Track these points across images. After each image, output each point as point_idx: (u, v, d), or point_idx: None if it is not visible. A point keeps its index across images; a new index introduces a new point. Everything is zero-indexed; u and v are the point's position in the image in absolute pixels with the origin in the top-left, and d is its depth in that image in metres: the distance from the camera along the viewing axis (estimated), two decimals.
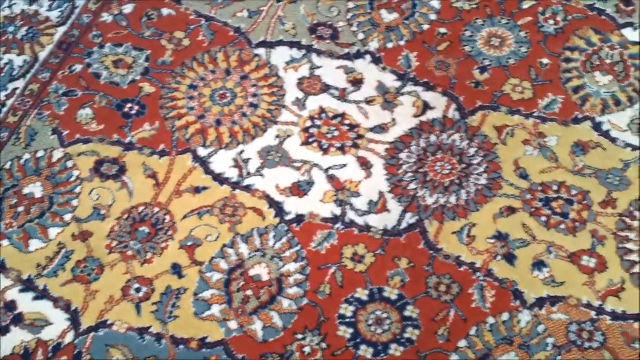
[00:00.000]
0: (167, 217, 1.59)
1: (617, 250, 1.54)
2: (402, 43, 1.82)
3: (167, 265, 1.54)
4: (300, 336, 1.46)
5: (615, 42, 1.80)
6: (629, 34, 1.81)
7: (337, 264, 1.53)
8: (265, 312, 1.49)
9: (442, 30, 1.83)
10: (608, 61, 1.77)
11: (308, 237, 1.57)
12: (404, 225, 1.57)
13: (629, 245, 1.54)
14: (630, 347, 1.43)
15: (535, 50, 1.79)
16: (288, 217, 1.59)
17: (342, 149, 1.67)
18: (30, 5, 1.93)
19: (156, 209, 1.60)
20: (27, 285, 1.53)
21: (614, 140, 1.66)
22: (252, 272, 1.53)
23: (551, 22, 1.83)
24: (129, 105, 1.75)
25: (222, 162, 1.66)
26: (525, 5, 1.86)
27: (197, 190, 1.63)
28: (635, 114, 1.70)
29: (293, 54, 1.81)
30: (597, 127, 1.68)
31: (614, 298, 1.49)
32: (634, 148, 1.65)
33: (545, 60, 1.77)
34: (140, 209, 1.61)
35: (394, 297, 1.49)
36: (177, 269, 1.54)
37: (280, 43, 1.83)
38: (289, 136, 1.69)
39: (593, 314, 1.46)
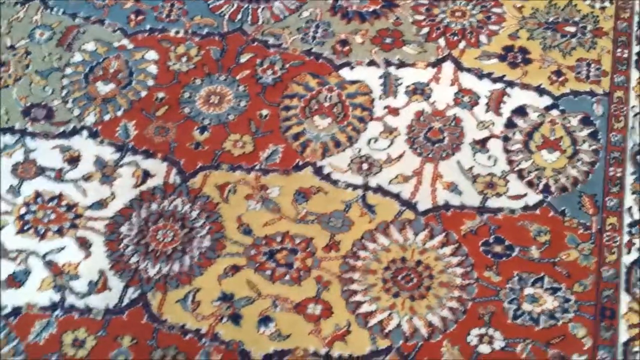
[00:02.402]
0: None
1: (342, 294, 1.53)
2: (119, 113, 1.78)
3: None
4: None
5: (332, 83, 1.81)
6: (346, 73, 1.83)
7: (56, 353, 1.47)
8: None
9: (160, 94, 1.81)
10: (326, 104, 1.78)
11: (26, 329, 1.50)
12: (125, 301, 1.53)
13: (353, 286, 1.54)
14: None
15: (255, 102, 1.79)
16: (4, 312, 1.52)
17: (59, 232, 1.61)
18: None
19: None
20: None
21: (335, 183, 1.67)
22: None
23: (269, 72, 1.83)
24: None
25: None
26: (243, 59, 1.86)
27: None
28: (354, 152, 1.71)
29: (6, 140, 1.74)
30: (318, 171, 1.68)
31: (341, 342, 1.48)
32: (355, 187, 1.66)
33: (265, 111, 1.77)
34: None
35: None
36: None
37: None
38: (3, 226, 1.62)
39: None
